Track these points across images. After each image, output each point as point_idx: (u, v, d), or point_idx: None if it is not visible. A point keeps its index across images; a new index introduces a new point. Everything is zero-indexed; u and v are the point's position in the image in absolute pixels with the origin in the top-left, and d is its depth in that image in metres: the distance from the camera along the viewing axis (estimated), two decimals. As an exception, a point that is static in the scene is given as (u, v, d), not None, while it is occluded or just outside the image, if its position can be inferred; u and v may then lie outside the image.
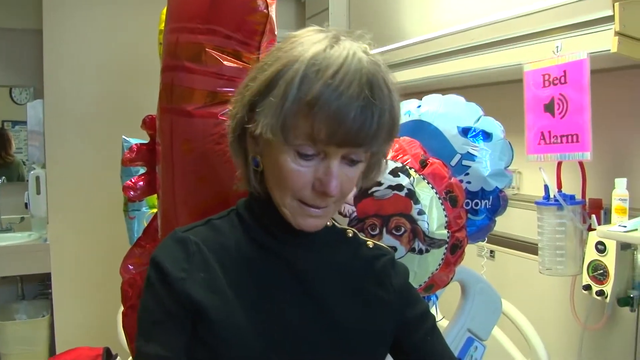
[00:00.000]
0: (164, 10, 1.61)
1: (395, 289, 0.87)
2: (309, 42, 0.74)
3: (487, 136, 1.16)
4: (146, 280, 0.79)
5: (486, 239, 1.29)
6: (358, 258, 0.88)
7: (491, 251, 1.94)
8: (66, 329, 2.74)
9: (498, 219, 1.21)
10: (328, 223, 0.86)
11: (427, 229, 1.05)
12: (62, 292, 2.76)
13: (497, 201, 1.18)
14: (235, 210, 0.86)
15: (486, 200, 1.17)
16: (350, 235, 0.90)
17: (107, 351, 1.34)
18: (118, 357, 1.25)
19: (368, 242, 0.90)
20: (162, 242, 0.82)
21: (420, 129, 1.17)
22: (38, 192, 3.06)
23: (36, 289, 3.61)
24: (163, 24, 1.42)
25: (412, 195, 1.05)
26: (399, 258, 1.06)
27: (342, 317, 0.82)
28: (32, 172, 3.14)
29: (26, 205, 3.29)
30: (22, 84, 3.60)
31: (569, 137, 1.33)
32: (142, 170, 1.24)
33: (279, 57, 0.74)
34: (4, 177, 3.59)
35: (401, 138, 1.13)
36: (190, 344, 0.77)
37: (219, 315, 0.76)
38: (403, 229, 1.05)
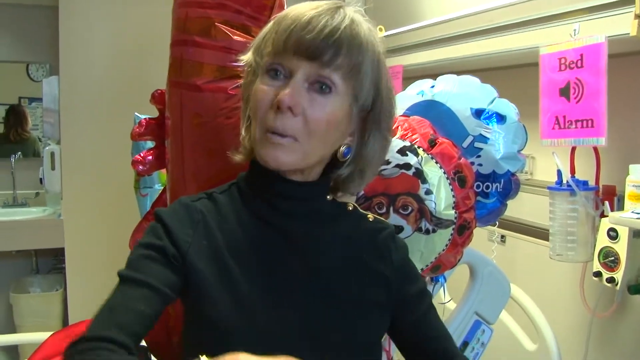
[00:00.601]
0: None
1: (394, 264, 0.87)
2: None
3: (500, 118, 1.14)
4: (148, 228, 0.79)
5: (497, 223, 1.28)
6: (359, 231, 0.88)
7: (502, 236, 1.93)
8: (79, 303, 2.78)
9: (510, 203, 1.20)
10: (328, 197, 0.87)
11: (435, 208, 1.05)
12: (75, 267, 2.79)
13: (509, 184, 1.16)
14: (236, 183, 0.86)
15: (497, 183, 1.16)
16: (350, 208, 0.90)
17: (118, 325, 1.35)
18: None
19: (368, 215, 0.90)
20: (169, 206, 0.83)
21: (433, 109, 1.16)
22: (53, 168, 3.09)
23: (50, 263, 3.67)
24: None
25: (419, 174, 1.04)
26: (406, 237, 1.05)
27: (339, 289, 0.82)
28: (47, 148, 3.17)
29: (41, 180, 3.33)
30: (38, 61, 3.62)
31: (584, 122, 1.31)
32: (151, 145, 1.24)
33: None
34: (20, 153, 3.63)
35: (410, 117, 1.13)
36: (188, 314, 0.78)
37: (218, 290, 0.76)
38: (410, 208, 1.05)
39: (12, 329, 3.33)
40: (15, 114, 3.68)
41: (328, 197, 0.87)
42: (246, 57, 0.83)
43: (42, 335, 1.50)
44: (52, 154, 3.08)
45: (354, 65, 0.75)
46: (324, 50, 0.73)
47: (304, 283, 0.80)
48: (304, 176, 0.81)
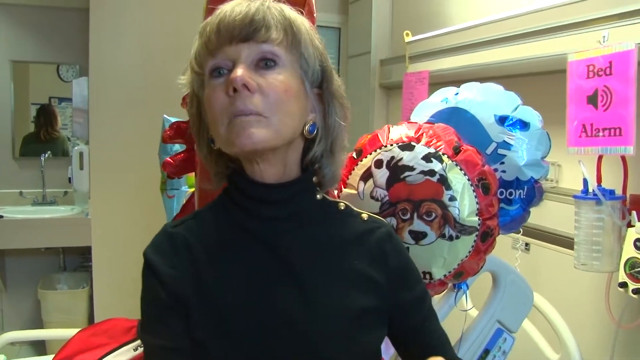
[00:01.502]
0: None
1: (390, 269, 0.84)
2: None
3: (524, 125, 1.14)
4: (142, 275, 0.82)
5: (521, 230, 1.27)
6: (350, 232, 0.85)
7: (526, 244, 1.91)
8: (104, 300, 2.82)
9: (535, 211, 1.19)
10: (318, 196, 0.86)
11: (458, 215, 1.05)
12: (101, 265, 2.84)
13: (532, 192, 1.16)
14: (220, 197, 0.87)
15: (521, 190, 1.15)
16: (342, 208, 0.88)
17: (141, 324, 1.37)
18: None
19: (362, 215, 0.88)
20: (154, 237, 0.84)
21: (457, 116, 1.16)
22: (81, 168, 3.15)
23: (77, 261, 3.74)
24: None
25: (444, 181, 1.05)
26: (429, 243, 1.05)
27: (324, 297, 0.80)
28: (76, 148, 3.23)
29: (70, 179, 3.39)
30: (68, 62, 3.70)
31: (612, 130, 1.29)
32: (179, 148, 1.26)
33: None
34: (49, 152, 3.71)
35: (435, 124, 1.13)
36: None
37: (202, 305, 0.78)
38: (434, 215, 1.05)
39: (40, 325, 3.40)
40: (46, 114, 3.76)
41: (318, 196, 0.86)
42: (186, 77, 0.84)
43: (69, 332, 1.53)
44: (81, 154, 3.14)
45: (290, 36, 0.77)
46: (256, 27, 0.75)
47: (287, 293, 0.79)
48: (282, 174, 0.81)
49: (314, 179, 0.85)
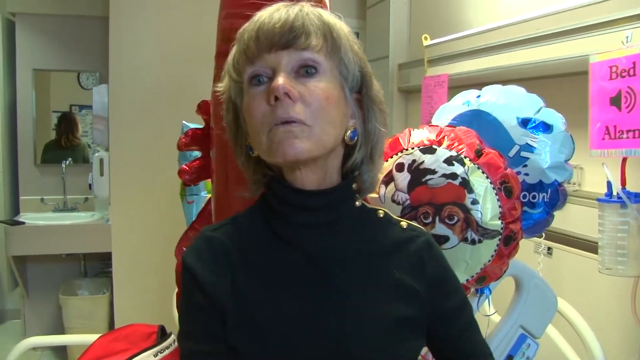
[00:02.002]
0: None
1: (428, 278, 0.83)
2: None
3: (547, 128, 1.13)
4: (182, 282, 0.82)
5: (544, 234, 1.25)
6: (388, 240, 0.84)
7: (549, 248, 1.89)
8: (125, 306, 2.84)
9: (558, 215, 1.17)
10: (357, 203, 0.85)
11: (481, 219, 1.03)
12: (121, 271, 2.86)
13: (556, 195, 1.14)
14: (257, 203, 0.86)
15: (544, 194, 1.14)
16: (382, 215, 0.87)
17: (162, 329, 1.38)
18: (172, 336, 1.29)
19: (402, 223, 0.87)
20: (192, 242, 0.84)
21: (479, 119, 1.15)
22: (101, 174, 3.19)
23: (98, 267, 3.77)
24: None
25: (466, 184, 1.03)
26: (451, 247, 1.04)
27: (361, 306, 0.79)
28: (96, 155, 3.27)
29: (90, 186, 3.43)
30: (89, 69, 3.75)
31: (636, 131, 1.27)
32: (199, 154, 1.27)
33: None
34: (70, 159, 3.75)
35: (457, 127, 1.12)
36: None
37: (240, 319, 0.77)
38: (456, 218, 1.04)
39: (62, 330, 3.43)
40: (67, 121, 3.81)
41: (357, 203, 0.85)
42: (223, 84, 0.83)
43: (90, 337, 1.54)
44: (101, 160, 3.17)
45: (330, 42, 0.76)
46: (296, 34, 0.74)
47: (324, 301, 0.78)
48: (322, 180, 0.80)
49: (353, 185, 0.84)
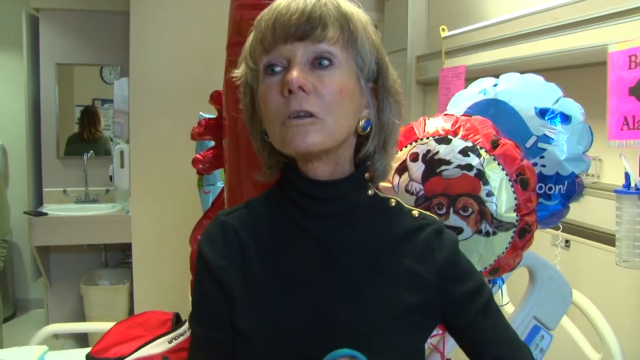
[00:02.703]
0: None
1: (437, 265, 0.82)
2: None
3: (565, 118, 1.11)
4: (195, 268, 0.85)
5: (560, 227, 1.24)
6: (399, 229, 0.84)
7: (566, 240, 1.87)
8: (144, 296, 2.88)
9: (575, 207, 1.16)
10: (369, 192, 0.85)
11: (496, 210, 1.03)
12: (141, 262, 2.90)
13: (573, 187, 1.13)
14: (272, 190, 0.87)
15: (561, 185, 1.12)
16: (393, 204, 0.87)
17: (177, 316, 1.40)
18: (187, 323, 1.31)
19: (413, 212, 0.87)
20: (206, 227, 0.86)
21: (496, 109, 1.13)
22: (122, 166, 3.23)
23: (118, 257, 3.83)
24: None
25: (481, 175, 1.03)
26: (465, 239, 1.04)
27: (370, 293, 0.79)
28: (117, 147, 3.31)
29: (111, 178, 3.48)
30: (110, 63, 3.79)
31: (656, 123, 1.26)
32: (213, 144, 1.28)
33: None
34: (92, 152, 3.81)
35: (473, 117, 1.11)
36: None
37: (250, 304, 0.79)
38: (470, 210, 1.03)
39: (83, 319, 3.49)
40: (89, 115, 3.87)
41: (369, 192, 0.85)
42: (240, 71, 0.83)
43: (109, 325, 1.57)
44: (122, 153, 3.22)
45: (346, 34, 0.76)
46: (312, 25, 0.73)
47: (335, 288, 0.79)
48: (334, 170, 0.81)
49: (365, 175, 0.85)
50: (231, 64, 1.06)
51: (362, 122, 0.80)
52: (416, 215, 0.86)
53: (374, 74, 0.81)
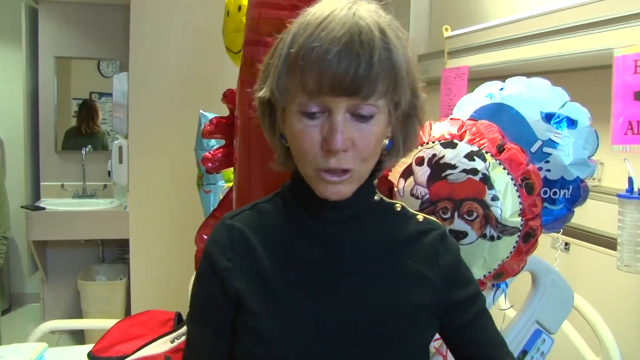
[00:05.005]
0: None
1: (442, 268, 0.85)
2: (316, 8, 0.75)
3: (571, 123, 1.11)
4: (198, 267, 0.85)
5: (561, 230, 1.24)
6: (405, 233, 0.86)
7: (566, 243, 1.87)
8: (141, 292, 2.88)
9: (576, 211, 1.16)
10: (375, 197, 0.86)
11: (500, 215, 1.03)
12: (138, 258, 2.90)
13: (578, 191, 1.13)
14: (280, 193, 0.87)
15: (565, 190, 1.12)
16: (399, 209, 0.88)
17: (179, 316, 1.40)
18: (189, 323, 1.31)
19: (417, 216, 0.88)
20: (213, 229, 0.86)
21: (501, 113, 1.13)
22: (120, 162, 3.22)
23: (115, 253, 3.82)
24: (226, 12, 1.44)
25: (486, 180, 1.03)
26: (470, 243, 1.04)
27: (381, 294, 0.81)
28: (115, 142, 3.30)
29: (109, 173, 3.47)
30: (109, 57, 3.77)
31: (660, 128, 1.26)
32: (215, 144, 1.27)
33: (289, 26, 0.76)
34: (90, 146, 3.79)
35: (479, 121, 1.11)
36: (236, 329, 0.81)
37: (260, 302, 0.79)
38: (475, 214, 1.03)
39: (80, 315, 3.49)
40: (87, 108, 3.85)
41: (376, 197, 0.87)
42: (261, 94, 0.79)
43: (107, 322, 1.57)
44: (120, 148, 3.20)
45: (392, 85, 0.73)
46: (363, 84, 0.70)
47: (344, 289, 0.80)
48: None
49: (374, 182, 0.86)
50: (247, 61, 1.05)
51: (385, 142, 0.79)
52: (421, 220, 0.88)
53: (407, 105, 0.79)
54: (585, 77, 1.69)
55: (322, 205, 0.80)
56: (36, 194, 3.81)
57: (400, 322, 0.81)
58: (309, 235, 0.82)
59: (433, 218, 0.90)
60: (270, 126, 0.83)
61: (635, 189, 1.35)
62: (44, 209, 3.45)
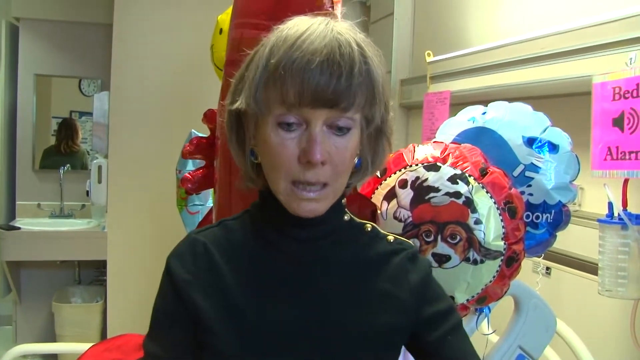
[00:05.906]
0: (222, 16, 1.63)
1: (411, 286, 0.83)
2: (291, 23, 0.75)
3: (553, 148, 1.12)
4: (160, 284, 0.83)
5: (543, 254, 1.24)
6: (374, 253, 0.85)
7: (547, 268, 1.88)
8: (118, 315, 2.82)
9: (557, 236, 1.17)
10: (345, 217, 0.86)
11: (483, 239, 1.03)
12: (116, 280, 2.84)
13: (560, 216, 1.14)
14: (248, 210, 0.86)
15: (548, 214, 1.13)
16: (369, 229, 0.87)
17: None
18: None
19: (388, 237, 0.87)
20: (177, 245, 0.84)
21: (484, 136, 1.15)
22: (99, 181, 3.18)
23: (92, 274, 3.74)
24: (218, 29, 1.44)
25: (469, 203, 1.03)
26: (453, 267, 1.04)
27: (343, 316, 0.80)
28: (94, 162, 3.26)
29: (87, 193, 3.41)
30: (90, 76, 3.75)
31: (638, 153, 1.27)
32: (199, 163, 1.26)
33: (263, 40, 0.76)
34: (68, 165, 3.74)
35: (462, 145, 1.11)
36: (195, 344, 0.79)
37: (219, 319, 0.77)
38: (458, 238, 1.03)
39: (53, 338, 3.40)
40: (67, 127, 3.81)
41: (346, 217, 0.86)
42: (236, 106, 0.78)
43: (81, 346, 1.52)
44: (100, 167, 3.17)
45: (370, 100, 0.74)
46: (343, 96, 0.70)
47: (309, 307, 0.79)
48: None
49: (343, 201, 0.85)
50: (228, 82, 1.04)
51: (354, 160, 0.79)
52: (391, 240, 0.87)
53: (378, 123, 0.79)
54: (565, 104, 1.72)
55: (291, 222, 0.79)
56: (11, 213, 3.73)
57: (365, 342, 0.80)
58: (275, 253, 0.81)
59: (404, 239, 0.89)
60: (239, 142, 0.82)
61: (615, 214, 1.36)
62: (19, 228, 3.38)
